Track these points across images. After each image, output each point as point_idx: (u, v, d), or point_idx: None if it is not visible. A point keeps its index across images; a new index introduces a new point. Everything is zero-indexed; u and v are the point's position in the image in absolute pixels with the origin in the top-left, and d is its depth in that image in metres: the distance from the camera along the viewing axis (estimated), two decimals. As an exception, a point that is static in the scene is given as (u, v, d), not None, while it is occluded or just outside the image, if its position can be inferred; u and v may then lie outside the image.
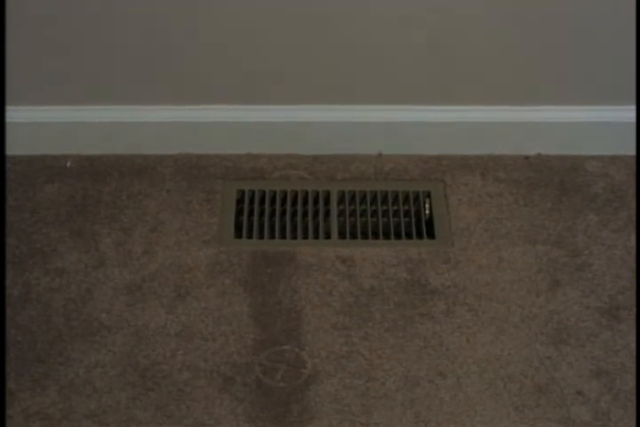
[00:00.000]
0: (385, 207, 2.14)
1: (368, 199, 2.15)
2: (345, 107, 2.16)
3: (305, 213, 2.14)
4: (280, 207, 2.14)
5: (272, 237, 2.09)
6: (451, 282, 1.98)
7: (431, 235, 2.08)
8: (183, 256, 2.02)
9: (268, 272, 2.00)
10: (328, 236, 2.09)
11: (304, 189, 2.17)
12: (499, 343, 1.88)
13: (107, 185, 2.16)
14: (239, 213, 2.13)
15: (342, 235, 2.09)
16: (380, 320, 1.91)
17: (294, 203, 2.16)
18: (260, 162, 2.22)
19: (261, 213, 2.14)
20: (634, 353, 1.86)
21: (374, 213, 2.14)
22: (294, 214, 2.14)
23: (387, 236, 2.10)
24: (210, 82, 2.11)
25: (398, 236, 2.10)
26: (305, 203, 2.15)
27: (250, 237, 2.09)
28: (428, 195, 2.15)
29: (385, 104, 2.16)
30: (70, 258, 2.02)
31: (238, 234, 2.09)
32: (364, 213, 2.14)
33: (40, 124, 2.17)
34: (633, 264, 2.01)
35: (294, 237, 2.09)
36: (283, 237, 2.09)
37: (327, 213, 2.14)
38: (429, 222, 2.11)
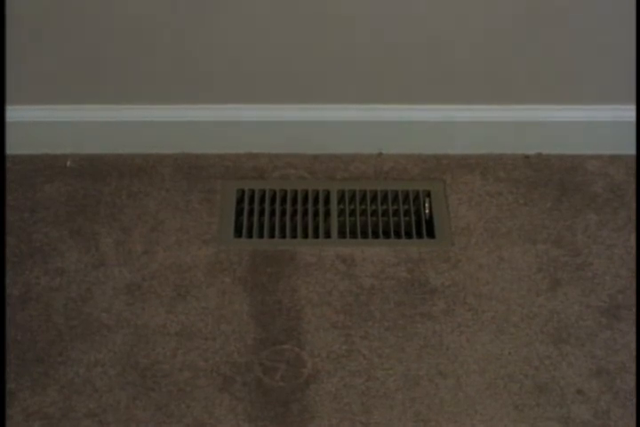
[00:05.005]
0: (385, 207, 2.14)
1: (368, 199, 2.15)
2: (345, 106, 2.16)
3: (305, 213, 2.14)
4: (280, 207, 2.14)
5: (272, 236, 2.09)
6: (451, 281, 1.98)
7: (431, 234, 2.08)
8: (183, 256, 2.02)
9: (268, 272, 2.00)
10: (328, 235, 2.09)
11: (304, 189, 2.17)
12: (499, 343, 1.88)
13: (106, 185, 2.16)
14: (239, 212, 2.13)
15: (342, 234, 2.09)
16: (380, 319, 1.91)
17: (294, 202, 2.16)
18: (260, 161, 2.22)
19: (261, 213, 2.14)
20: (634, 352, 1.86)
21: (374, 212, 2.14)
22: (294, 214, 2.14)
23: (387, 235, 2.10)
24: (210, 81, 2.11)
25: (398, 235, 2.10)
26: (305, 202, 2.15)
27: (250, 236, 2.09)
28: (428, 194, 2.15)
29: (385, 104, 2.16)
30: (70, 257, 2.02)
31: (238, 233, 2.09)
32: (363, 212, 2.14)
33: (40, 123, 2.17)
34: (633, 263, 2.01)
35: (294, 237, 2.09)
36: (282, 236, 2.09)
37: (327, 213, 2.14)
38: (429, 222, 2.11)
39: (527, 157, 2.23)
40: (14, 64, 1.99)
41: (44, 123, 2.18)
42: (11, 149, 2.08)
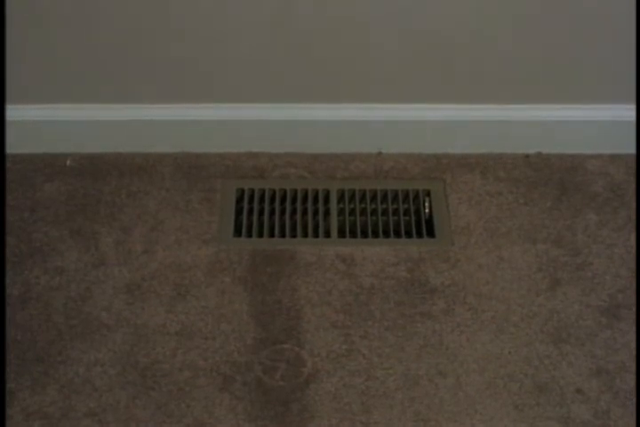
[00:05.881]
0: (385, 206, 2.14)
1: (368, 198, 2.15)
2: (345, 105, 2.16)
3: (305, 212, 2.14)
4: (280, 206, 2.14)
5: (272, 235, 2.09)
6: (450, 281, 1.98)
7: (431, 234, 2.08)
8: (183, 255, 2.02)
9: (268, 271, 2.00)
10: (328, 234, 2.09)
11: (304, 188, 2.17)
12: (498, 342, 1.88)
13: (106, 184, 2.16)
14: (239, 211, 2.13)
15: (342, 234, 2.09)
16: (379, 319, 1.91)
17: (294, 201, 2.16)
18: (260, 161, 2.22)
19: (261, 212, 2.14)
20: (634, 352, 1.86)
21: (374, 211, 2.14)
22: (294, 213, 2.14)
23: (386, 234, 2.10)
24: (210, 80, 2.11)
25: (398, 234, 2.10)
26: (305, 201, 2.15)
27: (249, 235, 2.09)
28: (428, 193, 2.15)
29: (385, 103, 2.16)
30: (70, 257, 2.02)
31: (238, 233, 2.09)
32: (363, 211, 2.14)
33: (40, 122, 2.17)
34: (633, 263, 2.01)
35: (294, 236, 2.09)
36: (282, 235, 2.09)
37: (327, 212, 2.14)
38: (429, 221, 2.11)
39: (527, 156, 2.23)
40: (14, 64, 1.99)
41: (44, 122, 2.18)
42: (11, 148, 2.08)
